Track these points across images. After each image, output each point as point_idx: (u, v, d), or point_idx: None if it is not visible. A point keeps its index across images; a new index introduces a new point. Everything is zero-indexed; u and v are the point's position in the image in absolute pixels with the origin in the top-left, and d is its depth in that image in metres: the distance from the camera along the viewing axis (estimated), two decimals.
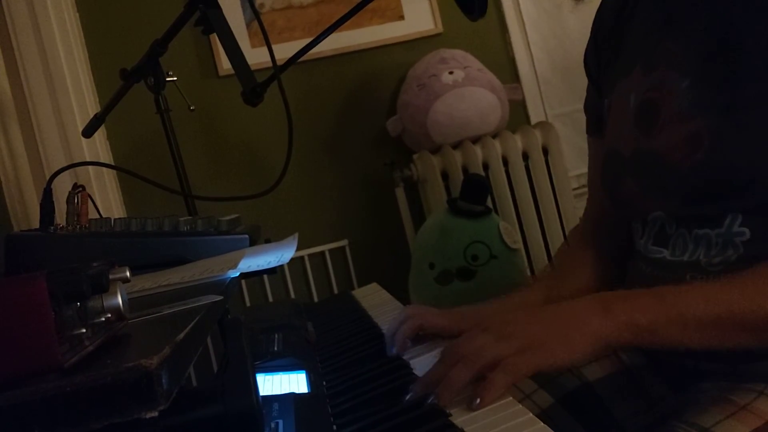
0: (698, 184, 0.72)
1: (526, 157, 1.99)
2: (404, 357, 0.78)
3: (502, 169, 1.96)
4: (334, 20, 1.17)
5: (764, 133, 0.67)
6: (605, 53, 0.92)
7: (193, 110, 1.59)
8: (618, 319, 0.65)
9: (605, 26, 0.92)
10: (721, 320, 0.64)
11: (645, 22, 0.84)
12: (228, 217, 1.04)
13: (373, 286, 1.28)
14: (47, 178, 1.16)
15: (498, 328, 0.67)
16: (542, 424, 0.54)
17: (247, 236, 0.99)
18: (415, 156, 1.98)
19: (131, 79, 1.39)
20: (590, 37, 0.96)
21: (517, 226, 1.95)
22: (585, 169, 0.94)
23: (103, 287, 0.42)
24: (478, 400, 0.60)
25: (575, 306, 0.68)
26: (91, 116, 1.49)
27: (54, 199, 1.08)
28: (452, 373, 0.62)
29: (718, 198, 0.72)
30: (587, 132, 0.99)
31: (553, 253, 1.98)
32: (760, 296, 0.63)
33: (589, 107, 0.98)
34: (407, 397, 0.64)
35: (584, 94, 0.99)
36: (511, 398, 0.60)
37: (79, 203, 1.04)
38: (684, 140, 0.72)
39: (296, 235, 0.96)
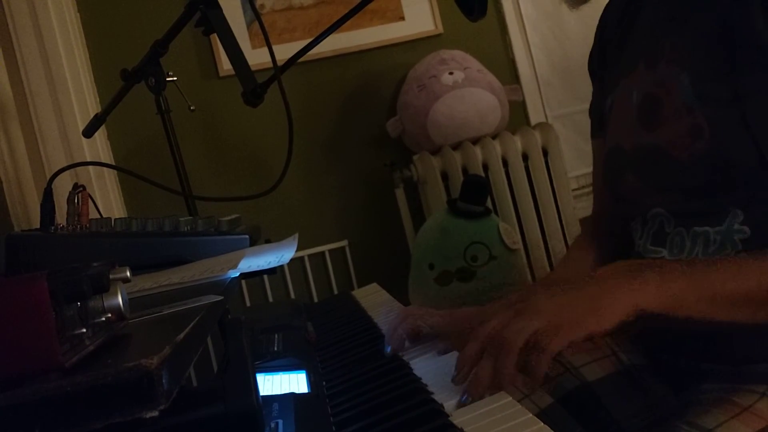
0: (699, 176, 0.72)
1: (525, 158, 1.99)
2: (404, 357, 0.78)
3: (502, 169, 1.96)
4: (334, 21, 1.17)
5: (765, 125, 0.67)
6: (610, 51, 0.92)
7: (193, 110, 1.59)
8: (648, 287, 0.62)
9: (610, 25, 0.92)
10: (751, 295, 0.62)
11: (649, 19, 0.84)
12: (228, 218, 1.04)
13: (373, 287, 1.28)
14: (48, 178, 1.16)
15: (525, 307, 0.64)
16: (542, 423, 0.54)
17: (247, 236, 0.99)
18: (415, 157, 1.98)
19: (132, 79, 1.40)
20: (595, 37, 0.97)
21: (516, 227, 1.95)
22: (584, 170, 0.94)
23: (104, 287, 0.42)
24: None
25: (603, 273, 0.66)
26: (92, 116, 1.49)
27: (54, 199, 1.08)
28: (499, 365, 0.60)
29: (719, 191, 0.72)
30: (591, 135, 0.99)
31: (552, 254, 1.98)
32: None
33: (593, 110, 0.98)
34: (453, 376, 0.63)
35: (584, 95, 1.00)
36: (510, 398, 0.60)
37: (80, 203, 1.04)
38: (685, 132, 0.72)
39: (296, 235, 0.96)
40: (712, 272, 0.64)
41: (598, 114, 0.96)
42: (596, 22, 0.97)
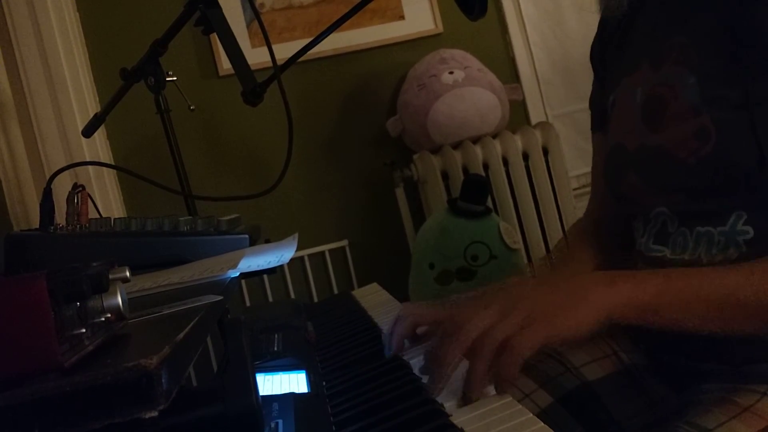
0: (704, 178, 0.72)
1: (526, 157, 1.99)
2: (404, 357, 0.78)
3: (502, 169, 1.96)
4: (334, 20, 1.17)
5: None
6: (612, 49, 0.92)
7: (193, 110, 1.59)
8: (622, 293, 0.64)
9: (612, 22, 0.92)
10: (725, 305, 0.64)
11: (652, 18, 0.84)
12: (228, 217, 1.04)
13: (373, 286, 1.28)
14: (47, 177, 1.16)
15: (501, 304, 0.65)
16: (542, 423, 0.54)
17: (247, 236, 0.99)
18: (415, 156, 1.98)
19: (131, 78, 1.40)
20: (597, 32, 0.96)
21: (517, 226, 1.95)
22: (585, 170, 0.95)
23: (103, 287, 0.42)
24: (493, 391, 0.60)
25: (581, 278, 0.68)
26: (91, 116, 1.49)
27: (54, 199, 1.08)
28: (471, 367, 0.61)
29: (723, 193, 0.72)
30: (592, 128, 0.99)
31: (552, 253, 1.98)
32: (766, 284, 0.63)
33: (594, 103, 0.98)
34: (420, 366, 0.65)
35: (584, 94, 1.00)
36: (510, 398, 0.60)
37: (79, 203, 1.04)
38: (692, 135, 0.72)
39: (296, 235, 0.96)
40: (686, 281, 0.65)
41: (599, 108, 0.95)
42: (596, 20, 0.97)
